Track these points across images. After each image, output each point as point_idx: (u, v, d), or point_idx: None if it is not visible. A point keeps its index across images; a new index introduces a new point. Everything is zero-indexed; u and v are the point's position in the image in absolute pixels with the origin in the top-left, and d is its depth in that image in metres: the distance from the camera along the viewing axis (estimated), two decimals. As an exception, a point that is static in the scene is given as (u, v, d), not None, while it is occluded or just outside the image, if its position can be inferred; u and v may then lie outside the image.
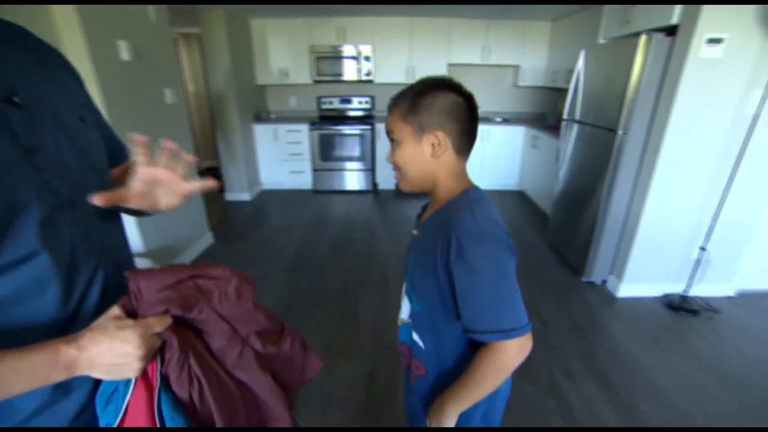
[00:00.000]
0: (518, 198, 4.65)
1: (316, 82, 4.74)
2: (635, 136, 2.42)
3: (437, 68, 4.59)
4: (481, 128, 4.55)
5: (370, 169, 4.83)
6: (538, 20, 4.40)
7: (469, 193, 0.75)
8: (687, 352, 2.11)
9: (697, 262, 2.40)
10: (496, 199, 4.59)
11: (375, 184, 4.97)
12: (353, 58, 4.54)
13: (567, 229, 3.12)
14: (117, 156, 0.74)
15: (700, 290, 2.53)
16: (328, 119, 4.82)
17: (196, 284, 0.59)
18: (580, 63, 2.95)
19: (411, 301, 0.84)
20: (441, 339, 0.79)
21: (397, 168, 0.79)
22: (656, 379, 1.92)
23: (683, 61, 2.13)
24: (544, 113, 5.03)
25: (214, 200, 4.42)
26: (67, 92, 0.62)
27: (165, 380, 0.55)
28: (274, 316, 0.67)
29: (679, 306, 2.43)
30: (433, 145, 0.74)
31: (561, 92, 4.76)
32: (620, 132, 2.42)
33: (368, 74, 4.61)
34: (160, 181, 0.63)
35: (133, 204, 0.63)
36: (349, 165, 4.78)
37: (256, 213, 4.15)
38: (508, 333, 0.67)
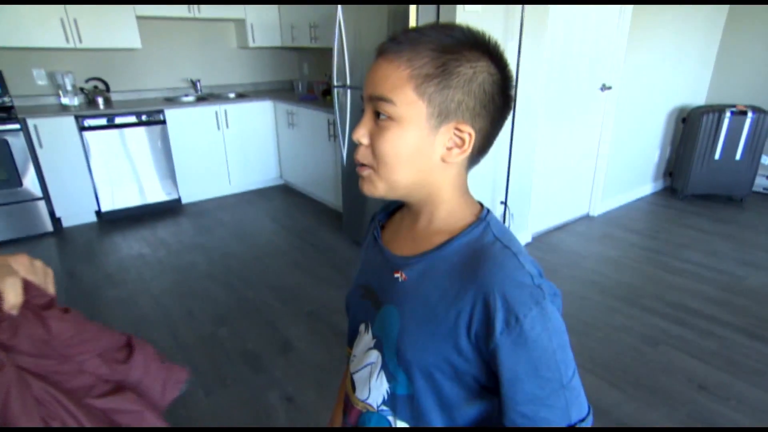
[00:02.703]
0: (285, 193, 4.08)
1: None
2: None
3: (119, 22, 3.25)
4: (215, 109, 3.65)
5: (41, 198, 3.09)
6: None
7: (491, 220, 0.55)
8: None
9: (503, 217, 2.66)
10: (259, 202, 3.89)
11: (56, 221, 3.27)
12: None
13: (370, 215, 2.90)
14: None
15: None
16: None
17: None
18: (339, 14, 2.65)
19: (394, 381, 0.58)
20: (454, 423, 0.58)
21: (373, 157, 0.52)
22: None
23: (454, 12, 2.24)
24: (292, 81, 4.49)
25: None
26: None
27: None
28: (109, 328, 0.54)
29: (501, 266, 2.65)
30: (452, 144, 0.51)
31: (306, 53, 4.39)
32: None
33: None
34: None
35: None
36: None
37: None
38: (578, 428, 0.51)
